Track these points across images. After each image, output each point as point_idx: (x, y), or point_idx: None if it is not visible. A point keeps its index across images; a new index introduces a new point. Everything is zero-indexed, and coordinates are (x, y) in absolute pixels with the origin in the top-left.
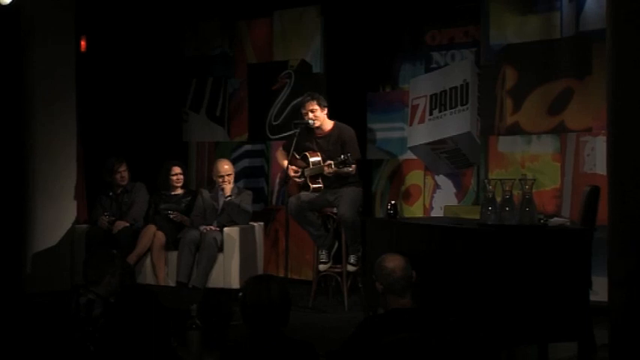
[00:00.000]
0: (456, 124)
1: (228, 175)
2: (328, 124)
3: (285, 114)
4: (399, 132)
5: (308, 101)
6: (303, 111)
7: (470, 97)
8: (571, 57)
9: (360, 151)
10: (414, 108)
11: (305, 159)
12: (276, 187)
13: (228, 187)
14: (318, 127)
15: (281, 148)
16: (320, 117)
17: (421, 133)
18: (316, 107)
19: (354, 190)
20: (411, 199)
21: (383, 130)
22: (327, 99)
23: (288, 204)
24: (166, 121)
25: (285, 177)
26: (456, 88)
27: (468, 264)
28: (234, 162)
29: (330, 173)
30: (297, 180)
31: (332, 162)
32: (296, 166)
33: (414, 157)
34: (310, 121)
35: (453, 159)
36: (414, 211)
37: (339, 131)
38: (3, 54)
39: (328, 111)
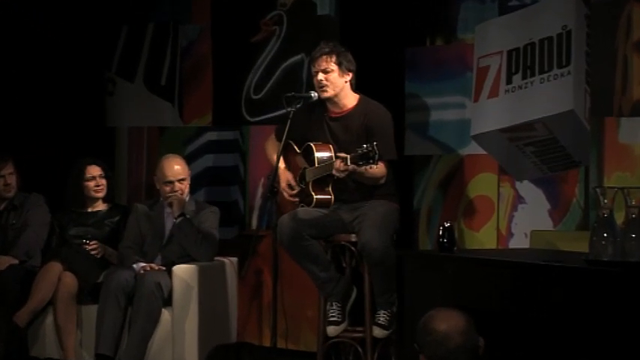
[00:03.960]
0: (549, 98)
1: (180, 180)
2: (350, 99)
3: (272, 82)
4: (458, 111)
5: (324, 55)
6: (313, 69)
7: (573, 54)
8: None
9: (397, 144)
10: (482, 72)
11: (308, 153)
12: (258, 201)
13: (180, 201)
14: (332, 100)
15: (273, 136)
16: (336, 83)
17: (493, 112)
18: (333, 67)
19: (386, 205)
20: (478, 219)
21: (431, 109)
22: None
23: (279, 227)
24: (79, 94)
25: (273, 181)
26: (550, 39)
27: (571, 323)
28: (190, 160)
29: (342, 172)
30: (289, 197)
31: (347, 155)
32: (293, 163)
33: (482, 151)
34: (313, 94)
35: (546, 155)
36: (482, 239)
37: (365, 111)
38: None
39: (353, 79)
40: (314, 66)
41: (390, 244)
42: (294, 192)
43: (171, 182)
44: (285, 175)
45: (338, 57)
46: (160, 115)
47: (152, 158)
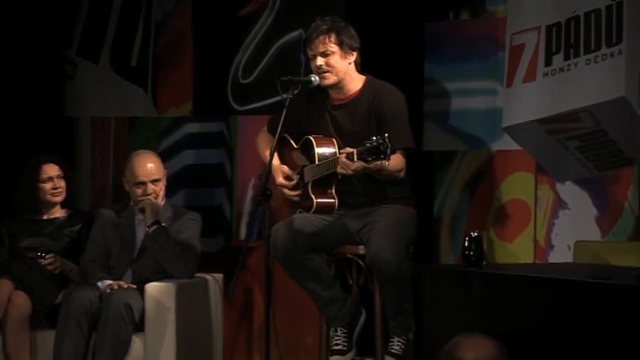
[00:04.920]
0: (597, 82)
1: (154, 181)
2: (355, 82)
3: (264, 64)
4: (487, 98)
5: (321, 35)
6: (310, 52)
7: (625, 30)
8: None
9: (414, 137)
10: (516, 52)
11: (307, 149)
12: (248, 205)
13: (154, 206)
14: (335, 86)
15: (265, 129)
16: (338, 67)
17: (530, 100)
18: (333, 48)
19: (400, 211)
20: (511, 228)
21: (455, 96)
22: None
23: (272, 237)
24: (33, 78)
25: (265, 182)
26: (597, 12)
27: (621, 351)
28: (166, 157)
29: (350, 171)
30: (290, 192)
31: (353, 150)
32: (289, 160)
33: (516, 146)
34: (313, 78)
35: (593, 151)
36: (516, 251)
37: (373, 94)
38: None
39: (358, 58)
40: (310, 49)
41: (405, 257)
42: (294, 183)
43: (144, 183)
44: (280, 169)
45: (338, 35)
46: (129, 103)
47: (121, 155)
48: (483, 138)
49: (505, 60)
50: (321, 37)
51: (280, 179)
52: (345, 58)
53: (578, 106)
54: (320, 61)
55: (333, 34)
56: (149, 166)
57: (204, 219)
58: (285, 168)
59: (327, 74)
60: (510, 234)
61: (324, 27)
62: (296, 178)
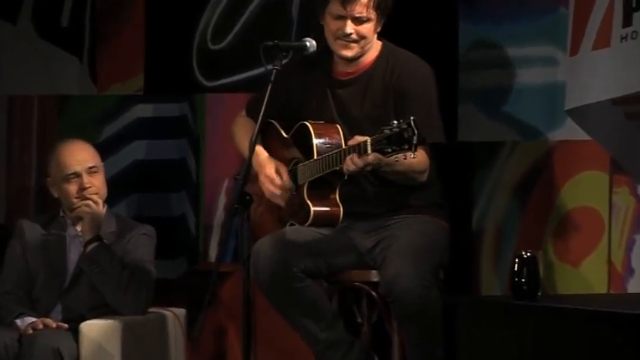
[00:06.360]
0: None
1: (90, 170)
2: (370, 51)
3: (241, 24)
4: (544, 71)
5: None
6: (339, 12)
7: None
8: None
9: (446, 123)
10: (584, 8)
11: (302, 139)
12: (221, 216)
13: (95, 215)
14: (352, 59)
15: (243, 113)
16: (368, 38)
17: (602, 73)
18: (372, 15)
19: (427, 223)
20: (577, 246)
21: (501, 67)
22: None
23: (254, 259)
24: None
25: (244, 184)
26: None
27: None
28: (108, 150)
29: (358, 166)
30: (275, 189)
31: (367, 138)
32: (278, 154)
33: (584, 135)
34: (308, 43)
35: None
36: (584, 277)
37: (391, 66)
38: None
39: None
40: (343, 7)
41: (433, 286)
42: (283, 183)
43: (78, 175)
44: (272, 163)
45: None
46: (59, 76)
47: (48, 146)
48: (539, 124)
49: (569, 19)
50: None
51: (269, 170)
52: (377, 28)
53: None
54: (350, 27)
55: None
56: (81, 155)
57: (160, 234)
58: (281, 164)
59: (353, 44)
60: (576, 254)
61: None
62: (287, 177)
